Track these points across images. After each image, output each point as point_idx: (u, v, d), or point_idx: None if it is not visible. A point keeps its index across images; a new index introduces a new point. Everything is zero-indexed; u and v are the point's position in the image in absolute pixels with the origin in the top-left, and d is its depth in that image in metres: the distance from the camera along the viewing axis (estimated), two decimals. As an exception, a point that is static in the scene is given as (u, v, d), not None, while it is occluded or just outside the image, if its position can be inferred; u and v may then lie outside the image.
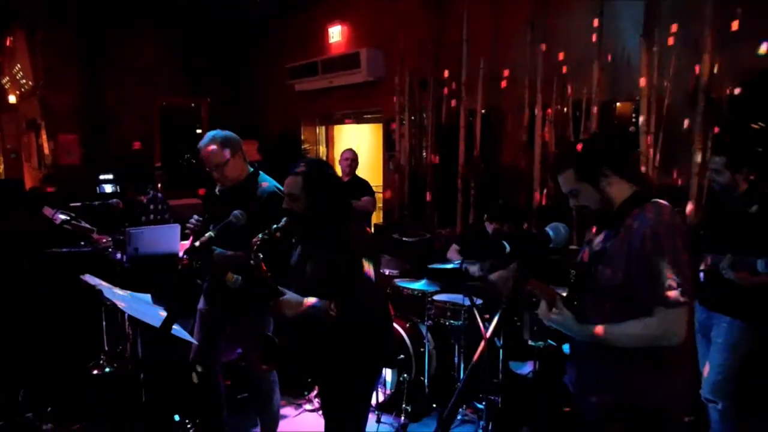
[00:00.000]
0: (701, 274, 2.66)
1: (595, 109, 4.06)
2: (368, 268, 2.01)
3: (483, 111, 4.85)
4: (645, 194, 1.70)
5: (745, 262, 2.24)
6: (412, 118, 5.54)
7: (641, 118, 3.76)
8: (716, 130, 3.46)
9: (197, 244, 2.03)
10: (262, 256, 1.92)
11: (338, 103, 6.70)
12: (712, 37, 3.43)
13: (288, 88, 6.93)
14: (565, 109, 4.28)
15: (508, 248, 1.11)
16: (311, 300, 2.01)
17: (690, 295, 1.56)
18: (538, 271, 1.63)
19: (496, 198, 4.22)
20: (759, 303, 2.54)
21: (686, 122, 3.59)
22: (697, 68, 3.50)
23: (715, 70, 3.46)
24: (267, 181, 2.74)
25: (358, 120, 6.83)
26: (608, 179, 1.69)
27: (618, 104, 4.13)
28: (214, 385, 2.95)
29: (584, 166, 1.70)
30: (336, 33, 6.50)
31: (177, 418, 3.11)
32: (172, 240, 3.09)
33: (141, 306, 2.33)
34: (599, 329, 1.62)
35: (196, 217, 2.62)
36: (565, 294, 1.73)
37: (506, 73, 4.65)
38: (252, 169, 2.77)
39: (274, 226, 2.00)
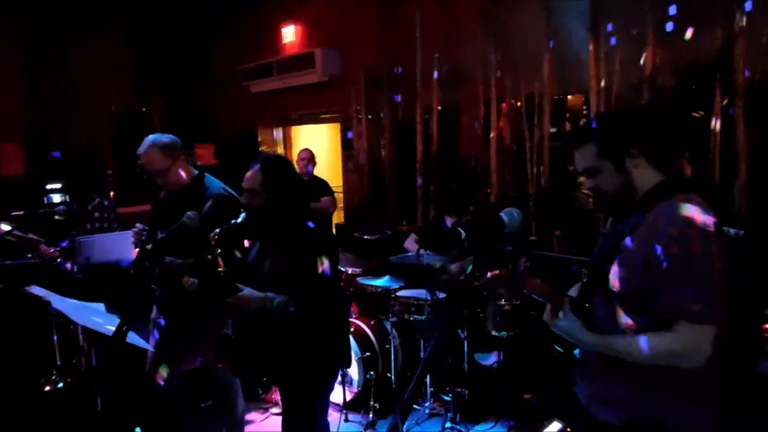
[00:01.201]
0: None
1: (546, 103, 4.15)
2: (326, 265, 2.00)
3: (439, 107, 4.90)
4: (673, 185, 1.47)
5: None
6: (369, 117, 5.54)
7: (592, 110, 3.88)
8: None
9: (149, 247, 1.97)
10: (219, 251, 1.89)
11: (295, 104, 6.64)
12: (653, 30, 3.57)
13: (243, 90, 6.82)
14: (519, 103, 4.37)
15: (463, 234, 1.11)
16: (270, 296, 1.99)
17: (719, 313, 1.35)
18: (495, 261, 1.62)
19: (455, 193, 4.26)
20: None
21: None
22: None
23: (657, 62, 3.60)
24: (213, 184, 2.67)
25: (315, 120, 6.78)
26: (634, 160, 1.46)
27: (569, 97, 4.24)
28: (174, 395, 2.87)
29: (609, 141, 1.47)
30: (289, 33, 6.44)
31: (138, 430, 3.01)
32: (125, 248, 2.99)
33: (94, 316, 2.24)
34: (610, 340, 1.43)
35: (139, 225, 2.52)
36: (575, 295, 1.55)
37: (460, 69, 4.70)
38: (197, 172, 2.71)
39: (232, 221, 1.98)
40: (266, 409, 3.64)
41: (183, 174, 2.63)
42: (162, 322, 2.71)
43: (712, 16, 3.35)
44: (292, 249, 2.04)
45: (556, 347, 3.17)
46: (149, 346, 2.38)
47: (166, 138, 2.62)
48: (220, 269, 1.90)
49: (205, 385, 3.30)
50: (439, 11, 4.85)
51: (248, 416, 3.50)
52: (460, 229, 1.10)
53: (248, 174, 2.11)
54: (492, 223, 1.22)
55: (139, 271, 1.93)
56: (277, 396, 3.62)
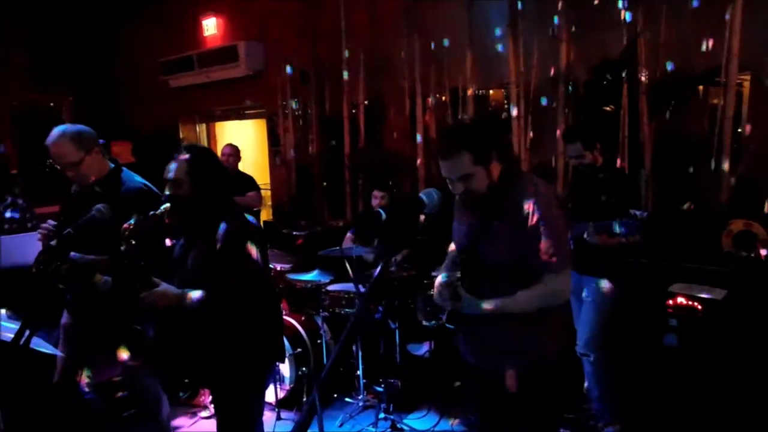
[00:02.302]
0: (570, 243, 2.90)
1: (470, 97, 4.26)
2: (254, 255, 1.94)
3: (365, 101, 4.91)
4: (512, 170, 1.78)
5: (604, 226, 2.47)
6: (298, 113, 5.45)
7: (513, 104, 4.02)
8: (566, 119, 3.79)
9: (53, 243, 1.83)
10: (134, 242, 1.79)
11: (218, 99, 6.43)
12: (566, 28, 3.75)
13: (162, 85, 6.53)
14: (444, 98, 4.45)
15: (383, 215, 1.11)
16: (186, 292, 1.92)
17: (569, 259, 1.73)
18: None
19: (383, 185, 4.26)
20: (617, 263, 2.84)
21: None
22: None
23: (572, 59, 3.79)
24: (132, 178, 2.53)
25: (240, 116, 6.60)
26: (493, 162, 1.72)
27: (491, 91, 4.37)
28: (88, 406, 2.69)
29: (481, 149, 1.69)
30: (211, 26, 6.22)
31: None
32: (30, 249, 2.76)
33: (-6, 323, 2.06)
34: (503, 302, 1.71)
35: (50, 222, 2.34)
36: (456, 276, 1.80)
37: (386, 63, 4.73)
38: (113, 166, 2.55)
39: (151, 212, 1.88)
40: (195, 414, 3.50)
41: (97, 167, 2.46)
42: (72, 327, 2.52)
43: (617, 17, 3.57)
44: (216, 241, 1.97)
45: (447, 325, 3.26)
46: (58, 352, 2.22)
47: (77, 128, 2.44)
48: (135, 262, 1.79)
49: (126, 393, 3.13)
50: (363, 6, 4.86)
51: (176, 422, 3.36)
52: (380, 210, 1.10)
53: (172, 164, 2.04)
54: (412, 203, 1.24)
55: (42, 270, 1.78)
56: (205, 399, 3.50)
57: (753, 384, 2.69)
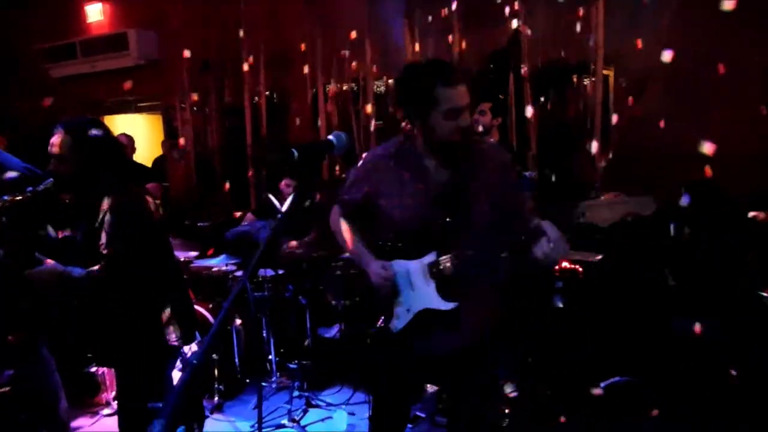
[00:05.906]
0: None
1: (370, 85, 4.42)
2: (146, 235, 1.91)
3: (267, 92, 4.90)
4: None
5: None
6: (195, 108, 5.30)
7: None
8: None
9: None
10: (5, 219, 1.70)
11: (107, 90, 6.05)
12: (458, 20, 4.02)
13: (43, 73, 6.02)
14: (345, 87, 4.57)
15: (296, 154, 1.15)
16: (68, 269, 1.85)
17: None
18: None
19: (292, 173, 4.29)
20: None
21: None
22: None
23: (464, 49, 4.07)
24: (10, 160, 2.37)
25: (132, 109, 6.27)
26: None
27: (390, 81, 4.55)
28: None
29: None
30: (95, 12, 5.85)
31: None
32: None
33: None
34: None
35: None
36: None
37: (286, 53, 4.75)
38: None
39: (30, 188, 1.79)
40: (96, 413, 3.32)
41: None
42: None
43: (501, 12, 3.89)
44: (102, 219, 1.90)
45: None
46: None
47: None
48: (11, 240, 1.71)
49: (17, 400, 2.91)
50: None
51: (76, 422, 3.17)
52: (293, 150, 1.15)
53: (54, 138, 1.90)
54: (321, 144, 1.29)
55: None
56: (107, 395, 3.34)
57: (624, 330, 3.09)
